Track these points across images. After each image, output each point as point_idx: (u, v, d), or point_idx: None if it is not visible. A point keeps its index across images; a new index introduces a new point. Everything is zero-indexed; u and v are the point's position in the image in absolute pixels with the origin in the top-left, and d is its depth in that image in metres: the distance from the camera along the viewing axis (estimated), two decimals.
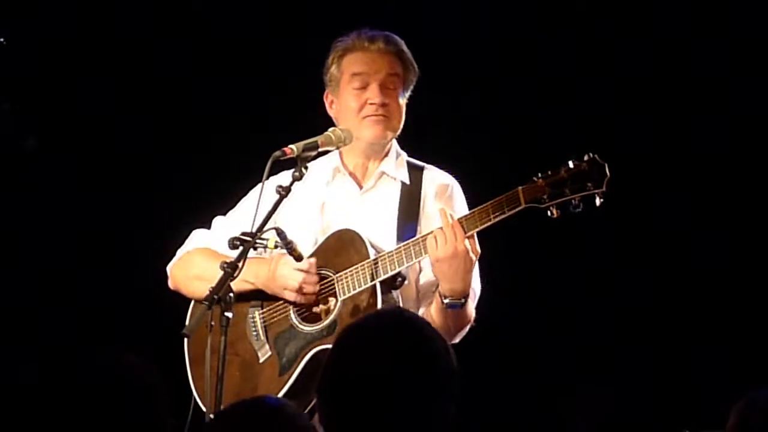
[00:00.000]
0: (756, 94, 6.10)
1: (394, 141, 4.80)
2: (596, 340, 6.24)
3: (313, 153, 4.53)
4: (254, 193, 4.79)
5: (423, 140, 4.91)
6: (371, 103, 4.67)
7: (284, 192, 4.42)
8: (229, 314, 4.25)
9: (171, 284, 4.85)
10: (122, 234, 6.49)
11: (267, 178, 4.45)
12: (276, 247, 4.44)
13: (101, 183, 6.55)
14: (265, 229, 4.39)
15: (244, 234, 4.38)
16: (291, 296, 4.61)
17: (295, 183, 4.44)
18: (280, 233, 4.41)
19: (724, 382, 5.73)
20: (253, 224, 4.41)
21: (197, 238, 4.86)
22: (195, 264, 4.77)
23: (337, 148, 4.64)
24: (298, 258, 4.49)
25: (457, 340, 4.66)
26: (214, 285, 4.26)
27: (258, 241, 4.38)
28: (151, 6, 6.45)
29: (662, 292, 6.23)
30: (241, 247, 4.35)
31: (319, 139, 4.55)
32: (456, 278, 4.48)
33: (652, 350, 6.18)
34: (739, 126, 6.17)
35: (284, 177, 4.61)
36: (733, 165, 6.18)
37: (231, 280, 4.26)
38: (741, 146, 6.18)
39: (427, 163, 4.86)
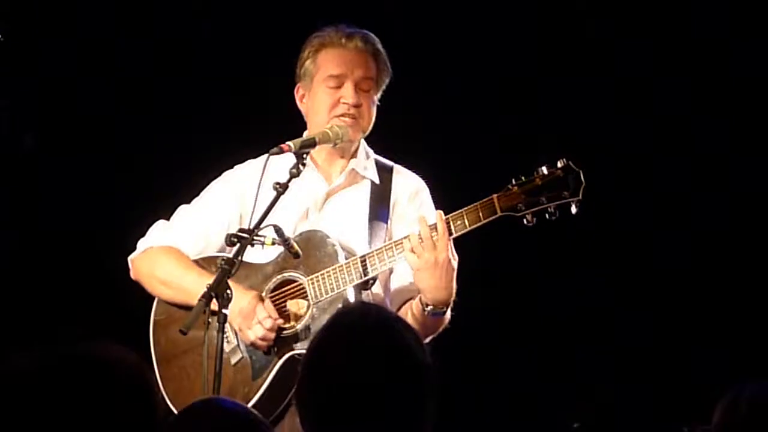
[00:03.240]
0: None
1: (363, 139, 4.76)
2: (596, 337, 6.30)
3: (311, 150, 4.51)
4: (219, 182, 4.77)
5: (391, 138, 4.88)
6: (344, 103, 4.63)
7: (281, 189, 4.39)
8: (226, 311, 4.24)
9: (133, 275, 4.79)
10: (115, 228, 6.43)
11: (264, 171, 4.45)
12: (273, 243, 4.41)
13: (101, 181, 6.50)
14: (262, 225, 4.36)
15: (241, 231, 4.35)
16: (247, 339, 4.57)
17: (293, 179, 4.42)
18: (278, 230, 4.39)
19: (721, 378, 5.78)
20: (250, 221, 4.38)
21: (159, 232, 4.79)
22: (160, 266, 4.70)
23: (335, 145, 4.61)
24: (296, 255, 4.46)
25: (427, 340, 4.57)
26: (211, 282, 4.24)
27: (255, 238, 4.35)
28: (150, 5, 6.42)
29: (659, 288, 6.30)
30: (238, 244, 4.33)
31: (317, 135, 4.53)
32: (439, 287, 4.42)
33: (651, 347, 6.25)
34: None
35: (253, 165, 4.65)
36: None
37: (228, 277, 4.25)
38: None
39: (397, 162, 4.83)
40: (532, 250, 6.12)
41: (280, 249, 4.55)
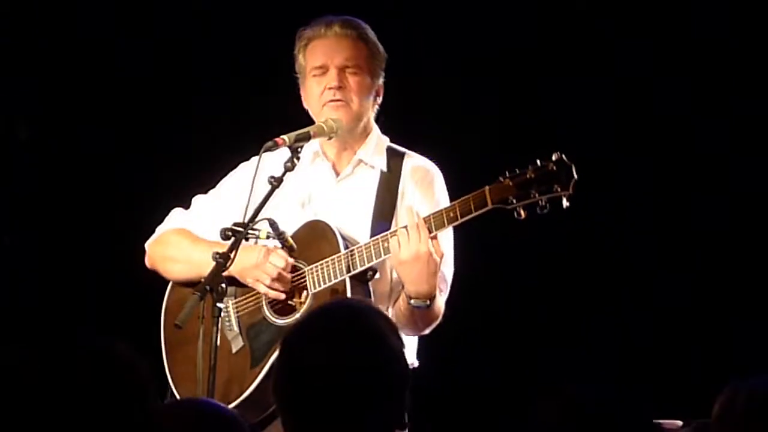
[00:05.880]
0: None
1: (375, 126, 4.74)
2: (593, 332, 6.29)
3: (305, 144, 4.50)
4: (235, 173, 4.78)
5: (408, 126, 4.89)
6: (329, 88, 4.62)
7: (276, 182, 4.41)
8: (221, 305, 4.26)
9: (147, 262, 4.83)
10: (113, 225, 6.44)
11: (258, 166, 4.46)
12: (268, 237, 4.42)
13: (94, 177, 6.51)
14: (257, 219, 4.38)
15: (236, 224, 4.37)
16: (262, 288, 4.57)
17: (287, 174, 4.43)
18: (272, 224, 4.40)
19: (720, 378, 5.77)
20: (245, 215, 4.39)
21: (175, 217, 4.83)
22: (170, 245, 4.75)
23: (329, 138, 4.60)
24: (290, 249, 4.47)
25: (426, 332, 4.63)
26: (206, 276, 4.26)
27: (250, 231, 4.36)
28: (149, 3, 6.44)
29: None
30: (233, 238, 4.34)
31: (311, 129, 4.52)
32: (420, 281, 4.43)
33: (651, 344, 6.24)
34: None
35: (274, 157, 4.54)
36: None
37: (223, 271, 4.26)
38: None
39: (411, 149, 4.79)
40: (531, 247, 6.11)
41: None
